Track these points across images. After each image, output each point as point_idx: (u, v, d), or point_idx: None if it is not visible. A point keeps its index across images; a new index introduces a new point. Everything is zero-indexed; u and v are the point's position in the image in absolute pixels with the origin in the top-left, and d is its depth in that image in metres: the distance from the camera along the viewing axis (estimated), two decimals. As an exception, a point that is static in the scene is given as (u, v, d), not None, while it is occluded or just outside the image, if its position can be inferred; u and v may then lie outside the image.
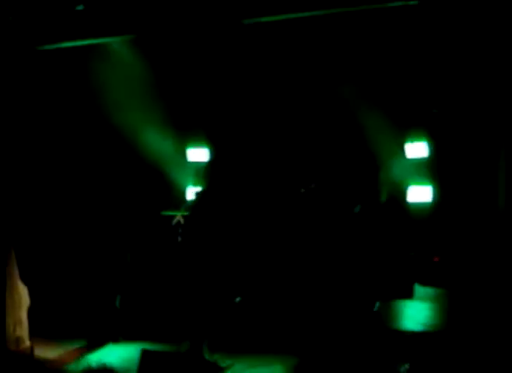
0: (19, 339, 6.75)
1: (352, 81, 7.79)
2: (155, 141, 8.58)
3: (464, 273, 7.09)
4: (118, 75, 8.50)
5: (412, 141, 7.90)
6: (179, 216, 8.26)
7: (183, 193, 8.70)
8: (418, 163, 7.90)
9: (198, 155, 8.74)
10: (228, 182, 7.52)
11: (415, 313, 6.25)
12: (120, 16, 7.94)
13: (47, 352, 7.07)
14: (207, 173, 7.28)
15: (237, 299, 7.30)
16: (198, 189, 8.14)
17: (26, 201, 8.27)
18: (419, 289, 6.61)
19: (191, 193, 8.59)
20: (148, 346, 6.65)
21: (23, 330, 6.80)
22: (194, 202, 7.22)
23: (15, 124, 8.09)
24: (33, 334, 6.89)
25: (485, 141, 7.51)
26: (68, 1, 7.85)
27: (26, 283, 7.02)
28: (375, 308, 6.18)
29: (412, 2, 7.10)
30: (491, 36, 7.00)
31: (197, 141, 8.74)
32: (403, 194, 7.94)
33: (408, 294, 6.44)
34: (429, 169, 7.88)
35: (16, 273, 6.95)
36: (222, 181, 7.29)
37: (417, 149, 7.89)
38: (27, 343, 6.83)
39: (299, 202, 7.96)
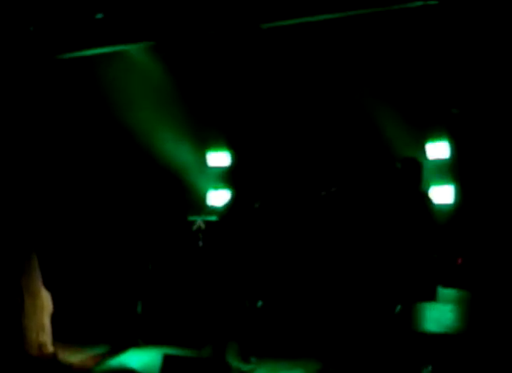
0: (41, 345, 6.79)
1: (372, 83, 7.74)
2: (175, 145, 8.61)
3: (488, 275, 6.98)
4: (138, 80, 8.56)
5: (433, 142, 7.81)
6: (200, 221, 8.28)
7: (203, 199, 8.70)
8: (439, 164, 7.81)
9: (219, 159, 8.74)
10: (255, 187, 7.53)
11: (438, 315, 6.17)
12: (139, 23, 8.02)
13: (70, 357, 7.11)
14: (233, 179, 7.30)
15: (259, 303, 7.27)
16: (224, 194, 8.19)
17: (49, 207, 8.35)
18: (442, 291, 6.52)
19: (213, 198, 8.61)
20: (169, 350, 6.66)
21: (46, 336, 6.84)
22: (225, 208, 7.25)
23: (37, 132, 8.18)
24: (56, 339, 6.94)
25: (507, 141, 7.41)
26: (87, 10, 7.94)
27: (48, 288, 7.07)
28: (396, 311, 6.11)
29: (431, 2, 7.05)
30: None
31: (217, 146, 8.74)
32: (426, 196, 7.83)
33: (431, 297, 6.36)
34: (451, 170, 7.79)
35: (39, 278, 7.01)
36: (249, 186, 7.31)
37: (438, 150, 7.81)
38: (50, 348, 6.87)
39: (321, 205, 7.91)
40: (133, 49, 8.58)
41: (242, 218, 7.06)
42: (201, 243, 8.17)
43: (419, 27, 7.36)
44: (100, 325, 7.91)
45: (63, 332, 7.13)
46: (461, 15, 7.12)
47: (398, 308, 6.11)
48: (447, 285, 6.69)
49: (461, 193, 7.70)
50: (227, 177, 8.62)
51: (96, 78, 8.70)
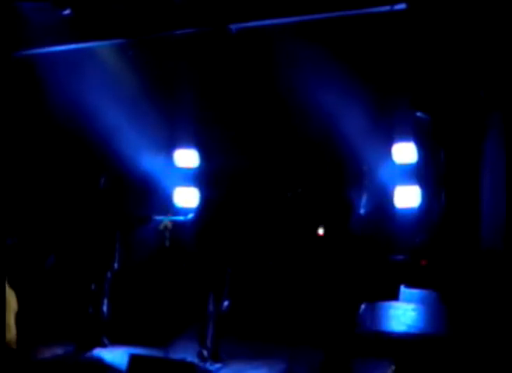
0: (6, 344, 6.71)
1: (340, 86, 7.82)
2: (142, 145, 8.59)
3: (452, 275, 7.13)
4: (105, 78, 8.50)
5: (399, 146, 7.93)
6: (166, 221, 8.29)
7: (170, 198, 8.70)
8: (405, 168, 7.93)
9: (186, 159, 8.74)
10: (226, 188, 7.59)
11: (401, 315, 6.28)
12: (107, 21, 7.97)
13: (35, 355, 7.06)
14: (204, 179, 7.37)
15: (226, 303, 7.32)
16: (190, 194, 8.24)
17: (12, 205, 8.25)
18: (405, 291, 6.64)
19: (179, 197, 8.63)
20: (135, 350, 6.65)
21: (11, 335, 6.76)
22: (200, 208, 7.32)
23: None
24: (20, 339, 6.87)
25: (469, 146, 7.57)
26: (55, 6, 7.86)
27: (13, 287, 7.00)
28: (360, 310, 6.21)
29: (399, 8, 7.17)
30: (479, 40, 7.06)
31: (185, 145, 8.74)
32: (390, 199, 7.98)
33: (394, 296, 6.48)
34: (416, 174, 7.92)
35: (3, 277, 6.92)
36: (221, 187, 7.38)
37: (405, 154, 7.92)
38: (15, 347, 6.80)
39: (286, 206, 7.98)
40: (100, 46, 8.52)
41: (213, 217, 7.12)
42: (167, 242, 8.18)
43: (385, 30, 7.46)
44: (66, 324, 7.85)
45: (28, 332, 7.07)
46: (429, 19, 7.25)
47: (362, 307, 6.21)
48: (410, 285, 6.82)
49: (426, 196, 7.84)
50: (194, 177, 8.64)
51: (61, 76, 8.60)
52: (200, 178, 8.20)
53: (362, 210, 7.60)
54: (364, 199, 7.74)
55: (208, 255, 7.10)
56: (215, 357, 7.09)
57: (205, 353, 7.05)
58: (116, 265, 7.81)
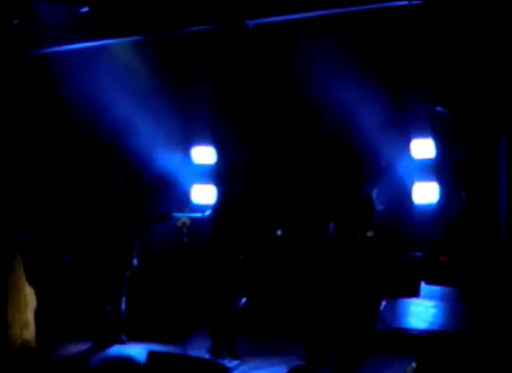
0: (25, 342, 6.76)
1: (358, 81, 7.76)
2: (159, 141, 8.59)
3: (472, 271, 7.07)
4: (120, 75, 8.50)
5: (417, 141, 7.86)
6: (185, 217, 8.29)
7: (187, 195, 8.69)
8: (424, 163, 7.87)
9: (204, 155, 8.73)
10: (243, 184, 7.59)
11: (422, 311, 6.23)
12: (123, 19, 7.98)
13: (54, 353, 7.08)
14: (221, 176, 7.40)
15: (243, 300, 7.31)
16: (208, 190, 8.25)
17: (31, 203, 8.29)
18: (425, 288, 6.59)
19: (197, 194, 8.62)
20: (153, 347, 6.65)
21: (30, 332, 6.81)
22: (218, 204, 7.33)
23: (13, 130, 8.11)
24: (39, 336, 6.91)
25: (489, 141, 7.49)
26: (72, 4, 7.87)
27: (32, 285, 7.03)
28: (381, 307, 6.17)
29: (416, 2, 7.11)
30: (497, 33, 6.98)
31: (202, 142, 8.74)
32: (409, 195, 7.92)
33: (414, 293, 6.43)
34: (435, 169, 7.85)
35: (22, 275, 6.97)
36: (238, 183, 7.39)
37: (423, 149, 7.85)
38: (34, 344, 6.84)
39: (304, 202, 7.93)
40: (117, 43, 8.53)
41: (231, 214, 7.14)
42: (185, 239, 8.19)
43: (405, 25, 7.39)
44: (84, 321, 7.89)
45: (47, 329, 7.11)
46: (447, 14, 7.18)
47: (383, 304, 6.16)
48: (430, 282, 6.76)
49: (445, 192, 7.77)
50: (212, 173, 8.62)
51: (77, 74, 8.60)
52: (217, 174, 8.17)
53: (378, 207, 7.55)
54: (375, 194, 7.68)
55: (226, 251, 7.09)
56: (232, 354, 7.09)
57: (222, 350, 7.05)
58: (135, 262, 7.84)
